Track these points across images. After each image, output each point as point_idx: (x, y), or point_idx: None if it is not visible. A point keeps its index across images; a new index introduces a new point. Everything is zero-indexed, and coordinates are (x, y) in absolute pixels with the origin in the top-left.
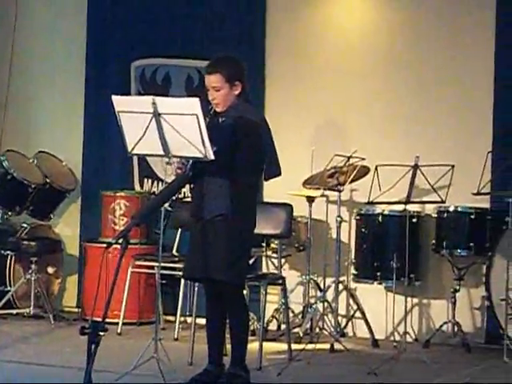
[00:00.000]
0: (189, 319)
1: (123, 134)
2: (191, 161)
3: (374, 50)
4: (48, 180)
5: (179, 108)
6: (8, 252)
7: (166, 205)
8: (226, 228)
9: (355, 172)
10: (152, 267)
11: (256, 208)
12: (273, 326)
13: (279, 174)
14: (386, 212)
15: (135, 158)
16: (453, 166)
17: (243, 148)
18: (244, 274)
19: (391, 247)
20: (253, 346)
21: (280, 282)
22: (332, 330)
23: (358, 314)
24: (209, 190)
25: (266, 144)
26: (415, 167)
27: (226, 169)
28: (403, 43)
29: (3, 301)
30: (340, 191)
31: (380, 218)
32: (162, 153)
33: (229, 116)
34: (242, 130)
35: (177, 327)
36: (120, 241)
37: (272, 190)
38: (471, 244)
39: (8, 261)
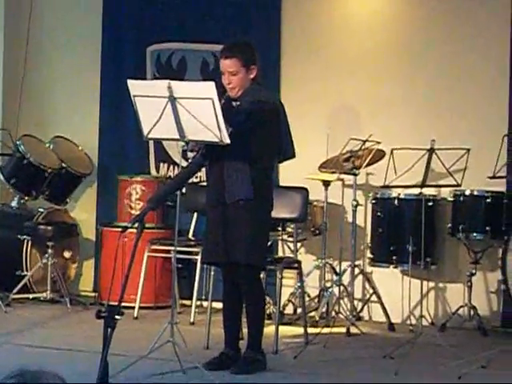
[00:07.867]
0: (205, 303)
1: (139, 118)
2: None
3: (388, 34)
4: (64, 165)
5: (195, 92)
6: (24, 236)
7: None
8: (248, 211)
9: (371, 156)
10: (168, 251)
11: (273, 191)
12: (289, 310)
13: (294, 156)
14: (401, 196)
15: (151, 143)
16: (468, 150)
17: (261, 132)
18: (265, 257)
19: (407, 231)
20: (269, 329)
21: (296, 265)
22: (348, 313)
23: (373, 298)
24: (229, 174)
25: (282, 126)
26: (431, 151)
27: (244, 152)
28: (417, 26)
29: (20, 285)
30: (356, 175)
31: (396, 202)
32: (177, 137)
33: (244, 100)
34: (259, 114)
35: (193, 311)
36: (136, 225)
37: (288, 174)
38: (487, 227)
39: (24, 245)
